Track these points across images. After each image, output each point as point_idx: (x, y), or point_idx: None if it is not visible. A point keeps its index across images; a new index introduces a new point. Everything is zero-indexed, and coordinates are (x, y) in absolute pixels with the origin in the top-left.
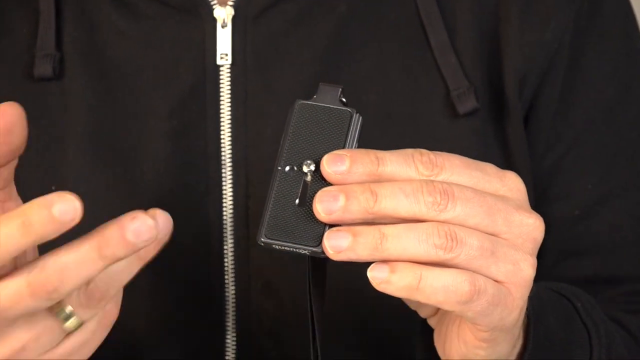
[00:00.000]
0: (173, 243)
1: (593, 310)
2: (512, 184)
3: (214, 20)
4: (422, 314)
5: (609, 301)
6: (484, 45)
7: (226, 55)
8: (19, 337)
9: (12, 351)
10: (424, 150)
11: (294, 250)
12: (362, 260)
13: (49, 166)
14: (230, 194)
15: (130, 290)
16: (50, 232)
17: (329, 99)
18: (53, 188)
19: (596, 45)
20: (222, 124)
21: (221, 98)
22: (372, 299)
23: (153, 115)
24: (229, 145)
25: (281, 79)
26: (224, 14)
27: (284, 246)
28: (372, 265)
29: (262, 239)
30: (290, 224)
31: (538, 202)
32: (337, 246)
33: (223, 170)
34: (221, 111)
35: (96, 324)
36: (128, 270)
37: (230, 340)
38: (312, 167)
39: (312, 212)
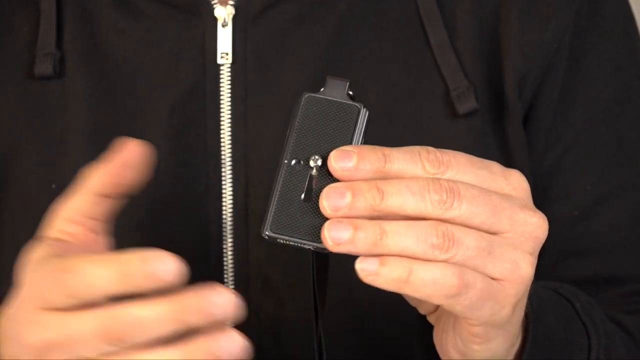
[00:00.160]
0: (172, 242)
1: (592, 311)
2: (516, 183)
3: (215, 19)
4: (422, 310)
5: (609, 301)
6: (484, 45)
7: (227, 54)
8: None
9: None
10: (430, 148)
11: (299, 245)
12: (360, 254)
13: (49, 165)
14: (230, 193)
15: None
16: (147, 287)
17: (336, 92)
18: (53, 186)
19: (596, 45)
20: (222, 123)
21: (221, 97)
22: (371, 298)
23: (153, 114)
24: (229, 144)
25: (281, 78)
26: (224, 13)
27: (289, 241)
28: (360, 257)
29: (267, 233)
30: (296, 219)
31: (538, 202)
32: (337, 238)
33: (223, 170)
34: (221, 110)
35: None
36: None
37: None
38: (319, 162)
39: (318, 207)
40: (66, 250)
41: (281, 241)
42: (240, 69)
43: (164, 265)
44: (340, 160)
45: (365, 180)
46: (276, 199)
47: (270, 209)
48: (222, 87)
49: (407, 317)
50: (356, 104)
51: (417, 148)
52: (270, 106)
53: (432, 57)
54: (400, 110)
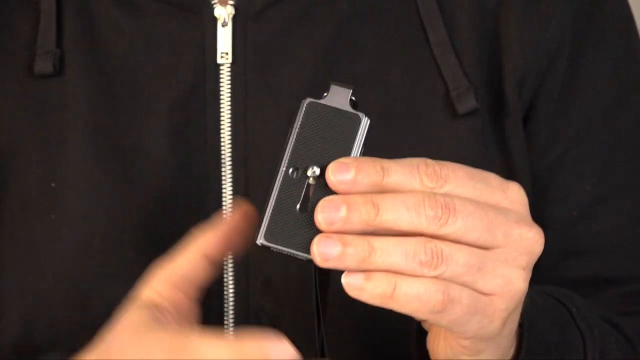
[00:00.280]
0: (172, 241)
1: (588, 315)
2: (514, 196)
3: (215, 19)
4: (416, 317)
5: (608, 301)
6: (484, 44)
7: (227, 54)
8: None
9: None
10: (429, 161)
11: (292, 255)
12: (348, 270)
13: (48, 163)
14: (230, 192)
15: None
16: None
17: (339, 100)
18: (53, 185)
19: (596, 45)
20: (222, 122)
21: (221, 97)
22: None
23: (153, 113)
24: (229, 143)
25: (281, 77)
26: (224, 13)
27: (282, 251)
28: (346, 271)
29: (261, 241)
30: (290, 230)
31: (537, 202)
32: (325, 254)
33: (223, 169)
34: (221, 110)
35: None
36: None
37: None
38: (317, 172)
39: (313, 219)
40: (163, 316)
41: (274, 250)
42: (240, 68)
43: (281, 352)
44: (338, 173)
45: (361, 194)
46: (272, 208)
47: (266, 216)
48: (222, 86)
49: (408, 318)
50: (358, 113)
51: (415, 161)
52: (270, 105)
53: (432, 56)
54: (400, 109)
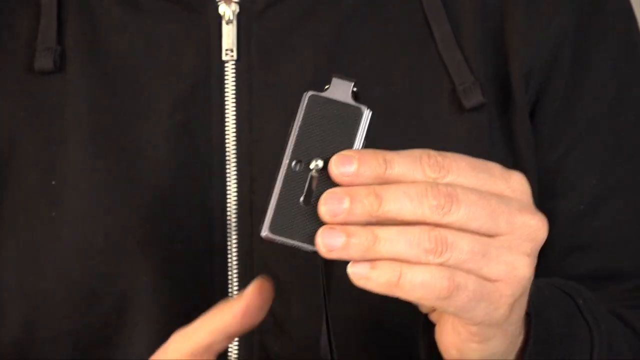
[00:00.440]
0: (176, 238)
1: (595, 307)
2: (517, 185)
3: (219, 16)
4: (424, 309)
5: (613, 296)
6: (489, 40)
7: (231, 51)
8: None
9: None
10: (431, 152)
11: (297, 247)
12: (354, 260)
13: (49, 162)
14: (235, 189)
15: (133, 286)
16: None
17: (340, 92)
18: (53, 183)
19: (598, 43)
20: (226, 119)
21: (226, 94)
22: (377, 296)
23: (156, 110)
24: (234, 140)
25: (285, 75)
26: (228, 11)
27: (287, 243)
28: (352, 261)
29: (265, 234)
30: (294, 222)
31: (543, 196)
32: (330, 245)
33: (227, 166)
34: (226, 107)
35: None
36: None
37: None
38: (320, 165)
39: (317, 211)
40: None
41: (279, 242)
42: (244, 66)
43: None
44: (341, 166)
45: (364, 185)
46: (275, 200)
47: (269, 209)
48: (227, 84)
49: (414, 314)
50: (360, 106)
51: (418, 152)
52: (275, 102)
53: (436, 52)
54: (405, 105)
